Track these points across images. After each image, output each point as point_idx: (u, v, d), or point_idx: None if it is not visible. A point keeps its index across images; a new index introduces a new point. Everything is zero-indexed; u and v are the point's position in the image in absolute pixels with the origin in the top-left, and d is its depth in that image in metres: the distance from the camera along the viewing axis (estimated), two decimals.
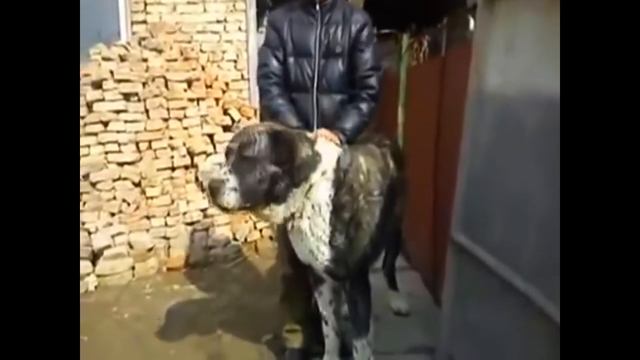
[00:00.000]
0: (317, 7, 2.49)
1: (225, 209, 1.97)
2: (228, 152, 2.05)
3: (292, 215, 2.10)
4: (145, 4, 5.00)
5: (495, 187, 2.04)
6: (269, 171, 1.98)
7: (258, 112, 4.99)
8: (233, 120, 4.76)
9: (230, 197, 1.93)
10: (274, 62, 2.51)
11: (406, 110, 4.43)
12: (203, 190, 2.07)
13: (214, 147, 4.64)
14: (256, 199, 1.98)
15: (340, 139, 2.34)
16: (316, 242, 2.14)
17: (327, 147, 2.17)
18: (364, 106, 2.47)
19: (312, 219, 2.12)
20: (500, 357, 1.89)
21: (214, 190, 1.94)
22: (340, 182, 2.13)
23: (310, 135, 2.22)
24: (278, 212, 2.06)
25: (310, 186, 2.08)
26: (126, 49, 4.49)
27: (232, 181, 1.93)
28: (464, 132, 2.29)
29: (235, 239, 4.60)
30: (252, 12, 5.20)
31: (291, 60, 2.50)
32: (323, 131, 2.31)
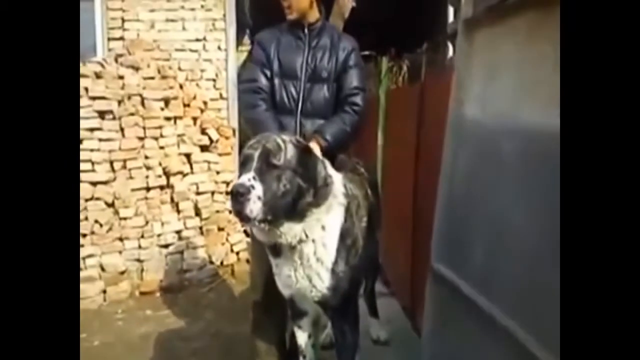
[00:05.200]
0: (306, 30, 2.48)
1: (246, 219, 1.81)
2: (246, 160, 1.87)
3: (300, 240, 1.97)
4: (123, 21, 4.94)
5: (474, 217, 2.01)
6: (294, 184, 1.86)
7: (237, 132, 4.94)
8: (211, 140, 4.70)
9: (256, 206, 1.76)
10: (262, 79, 2.47)
11: (385, 133, 4.43)
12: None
13: (191, 167, 4.57)
14: (279, 212, 1.84)
15: (320, 144, 2.28)
16: (319, 267, 2.02)
17: (333, 171, 2.09)
18: (346, 117, 2.43)
19: (320, 243, 2.00)
20: None
21: (238, 197, 1.76)
22: (348, 207, 2.07)
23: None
24: (295, 232, 1.92)
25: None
26: (102, 65, 4.41)
27: (257, 189, 1.78)
28: (443, 159, 2.27)
29: (211, 262, 4.51)
30: (232, 31, 5.18)
31: (276, 81, 2.47)
32: (311, 144, 2.21)
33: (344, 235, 2.05)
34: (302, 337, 2.27)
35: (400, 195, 3.49)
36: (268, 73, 2.46)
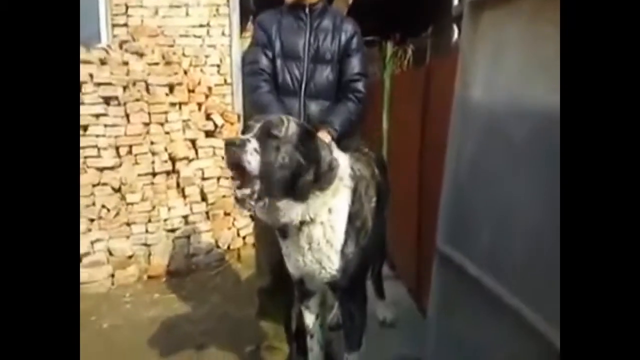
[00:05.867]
0: (307, 11, 2.48)
1: (242, 173, 1.75)
2: (246, 129, 1.86)
3: (304, 221, 1.96)
4: (127, 7, 4.93)
5: (480, 198, 2.03)
6: (293, 159, 1.83)
7: (241, 118, 4.95)
8: (215, 126, 4.71)
9: (253, 158, 1.73)
10: (264, 60, 2.46)
11: (390, 118, 4.43)
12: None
13: (196, 152, 4.59)
14: (274, 181, 1.80)
15: (331, 134, 2.30)
16: (329, 250, 2.03)
17: (339, 153, 2.09)
18: (351, 105, 2.45)
19: (328, 226, 2.01)
20: None
21: (232, 148, 1.73)
22: (355, 189, 2.08)
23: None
24: (297, 211, 1.91)
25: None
26: (106, 52, 4.41)
27: (254, 143, 1.75)
28: (449, 142, 2.28)
29: (217, 247, 4.54)
30: (236, 16, 5.16)
31: (279, 62, 2.46)
32: (320, 134, 2.22)
33: (352, 217, 2.05)
34: (309, 318, 2.30)
35: (406, 179, 3.50)
36: (270, 54, 2.46)
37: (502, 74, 1.99)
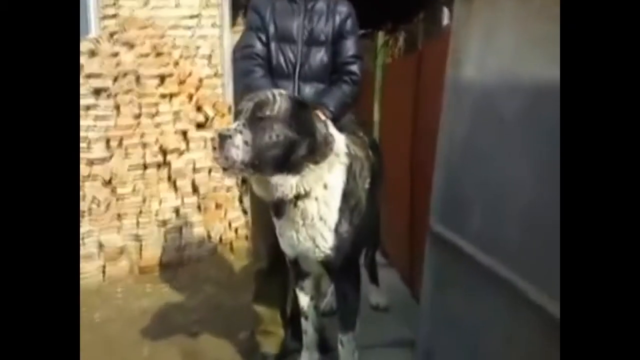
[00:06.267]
0: None
1: (231, 165, 1.79)
2: (239, 113, 1.90)
3: (298, 196, 1.96)
4: None
5: (474, 176, 2.02)
6: (286, 136, 1.85)
7: (232, 109, 4.92)
8: (207, 117, 4.68)
9: (240, 150, 1.77)
10: (258, 44, 2.45)
11: (382, 107, 4.42)
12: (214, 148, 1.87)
13: (187, 144, 4.55)
14: (267, 160, 1.83)
15: (326, 116, 2.30)
16: (322, 227, 2.04)
17: (335, 131, 2.09)
18: (346, 87, 2.44)
19: (322, 202, 2.01)
20: (482, 347, 1.87)
21: (222, 141, 1.77)
22: (350, 167, 2.08)
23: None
24: (291, 185, 1.92)
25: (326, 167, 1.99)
26: (97, 42, 4.37)
27: (245, 134, 1.79)
28: (441, 122, 2.28)
29: (209, 239, 4.51)
30: (227, 7, 5.13)
31: (273, 45, 2.45)
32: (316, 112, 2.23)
33: (346, 195, 2.06)
34: (304, 300, 2.30)
35: (398, 166, 3.50)
36: (264, 37, 2.45)
37: (495, 52, 1.99)
